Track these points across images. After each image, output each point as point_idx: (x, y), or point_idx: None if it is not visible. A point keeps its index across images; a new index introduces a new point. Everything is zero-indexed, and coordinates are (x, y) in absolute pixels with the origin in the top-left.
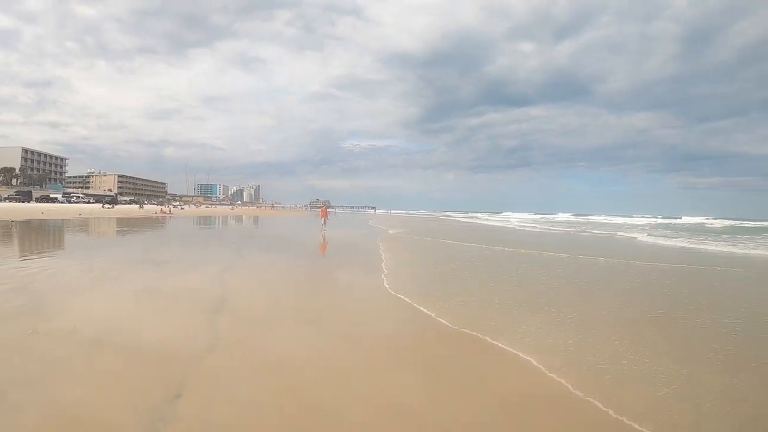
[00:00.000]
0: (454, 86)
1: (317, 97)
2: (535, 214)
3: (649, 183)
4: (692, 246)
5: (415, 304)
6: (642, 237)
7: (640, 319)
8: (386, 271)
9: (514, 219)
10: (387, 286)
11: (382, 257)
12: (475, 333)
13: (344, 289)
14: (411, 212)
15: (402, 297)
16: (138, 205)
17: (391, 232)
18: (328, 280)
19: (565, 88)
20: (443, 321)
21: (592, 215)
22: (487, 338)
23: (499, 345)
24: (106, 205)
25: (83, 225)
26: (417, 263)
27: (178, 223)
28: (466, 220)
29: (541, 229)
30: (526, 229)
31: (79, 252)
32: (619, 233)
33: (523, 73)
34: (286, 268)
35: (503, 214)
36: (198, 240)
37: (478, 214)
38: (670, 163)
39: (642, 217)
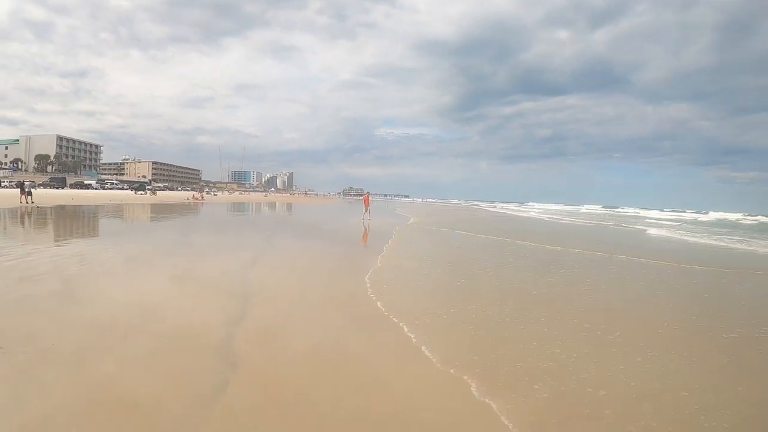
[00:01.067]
0: (488, 74)
1: (350, 85)
2: (566, 204)
3: (685, 176)
4: (737, 246)
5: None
6: (669, 233)
7: None
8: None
9: (535, 210)
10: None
11: (383, 249)
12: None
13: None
14: (442, 201)
15: (380, 306)
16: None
17: (411, 221)
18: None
19: (601, 77)
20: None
21: (623, 207)
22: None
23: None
24: (139, 192)
25: (111, 211)
26: (417, 260)
27: (210, 209)
28: (494, 210)
29: (566, 221)
30: (549, 220)
31: (105, 238)
32: (650, 230)
33: (559, 62)
34: (318, 255)
35: (527, 204)
36: (230, 227)
37: (508, 205)
38: (708, 156)
39: (672, 211)
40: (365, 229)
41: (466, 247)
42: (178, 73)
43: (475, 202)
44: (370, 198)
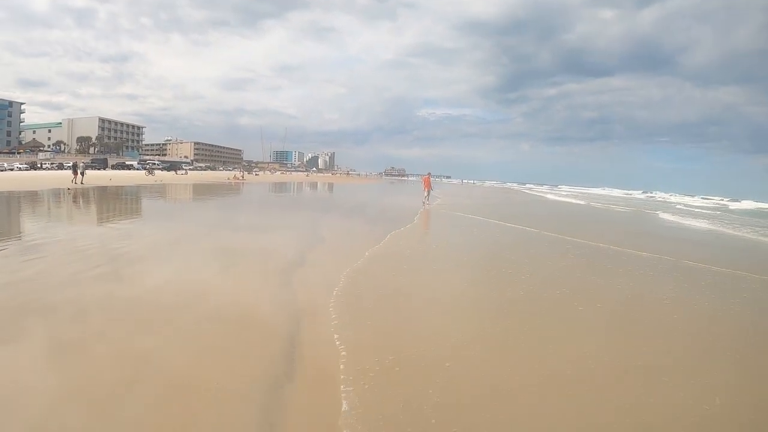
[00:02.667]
0: (531, 54)
1: (391, 65)
2: (607, 189)
3: (732, 164)
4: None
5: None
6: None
7: None
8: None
9: (563, 193)
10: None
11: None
12: None
13: None
14: (482, 182)
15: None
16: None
17: (438, 201)
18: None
19: (648, 59)
20: None
21: (668, 193)
22: None
23: None
24: (179, 172)
25: (147, 191)
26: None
27: (251, 190)
28: (525, 192)
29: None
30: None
31: (135, 220)
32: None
33: (604, 42)
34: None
35: (558, 187)
36: (271, 211)
37: (541, 187)
38: (757, 143)
39: (707, 198)
40: (425, 211)
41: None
42: (219, 56)
43: (513, 184)
44: (431, 179)
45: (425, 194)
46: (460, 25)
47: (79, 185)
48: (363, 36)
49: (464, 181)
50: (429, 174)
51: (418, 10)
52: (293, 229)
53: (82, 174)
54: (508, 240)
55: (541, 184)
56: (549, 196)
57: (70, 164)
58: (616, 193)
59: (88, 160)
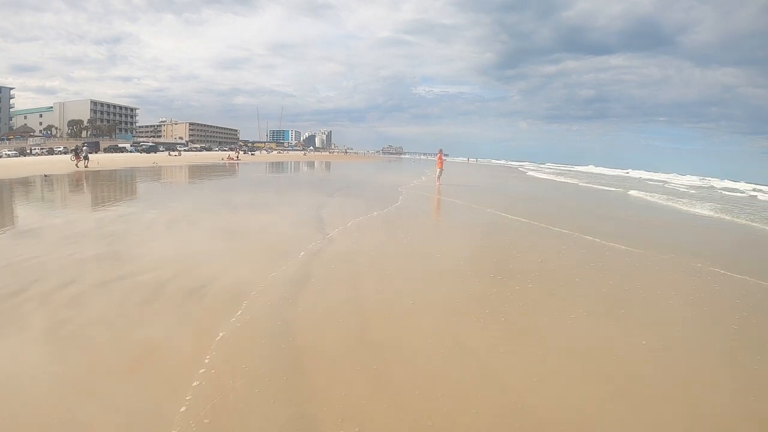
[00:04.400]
0: (530, 31)
1: (388, 42)
2: (605, 168)
3: (730, 144)
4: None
5: None
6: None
7: None
8: None
9: (545, 172)
10: None
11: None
12: None
13: None
14: (477, 161)
15: None
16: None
17: (413, 183)
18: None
19: (648, 38)
20: None
21: (662, 173)
22: None
23: None
24: (173, 153)
25: (133, 174)
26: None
27: (246, 170)
28: (512, 171)
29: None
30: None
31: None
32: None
33: (604, 20)
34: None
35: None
36: (267, 191)
37: (527, 164)
38: (756, 124)
39: (704, 178)
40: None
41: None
42: (213, 35)
43: (510, 162)
44: (443, 157)
45: (438, 173)
46: (460, 0)
47: (82, 169)
48: (360, 12)
49: (471, 159)
50: (441, 151)
51: None
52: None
53: (86, 158)
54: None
55: (542, 163)
56: (533, 173)
57: (61, 148)
58: (603, 171)
59: (80, 144)
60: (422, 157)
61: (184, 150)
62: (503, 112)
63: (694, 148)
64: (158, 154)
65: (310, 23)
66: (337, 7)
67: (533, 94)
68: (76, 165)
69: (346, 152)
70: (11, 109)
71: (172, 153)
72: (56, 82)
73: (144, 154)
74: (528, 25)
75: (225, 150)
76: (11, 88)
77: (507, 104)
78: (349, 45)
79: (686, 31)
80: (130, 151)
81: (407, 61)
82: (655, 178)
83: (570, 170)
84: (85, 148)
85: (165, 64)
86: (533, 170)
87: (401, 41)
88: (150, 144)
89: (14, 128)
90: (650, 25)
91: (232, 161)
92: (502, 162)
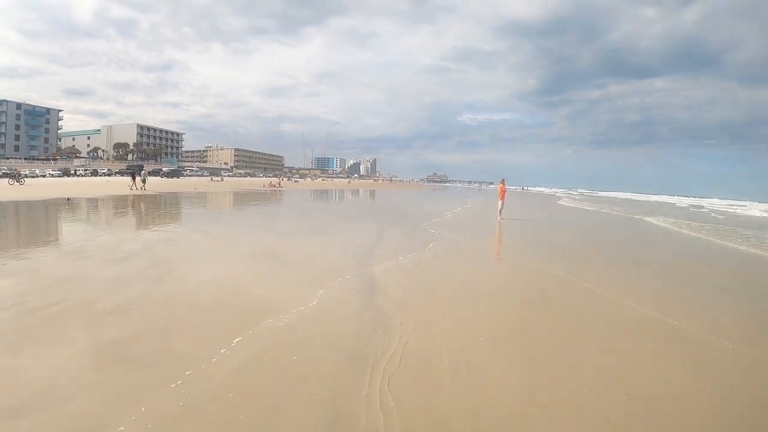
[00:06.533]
0: (572, 56)
1: (431, 70)
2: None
3: None
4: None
5: None
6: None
7: None
8: None
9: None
10: None
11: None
12: None
13: None
14: (525, 189)
15: None
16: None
17: (448, 215)
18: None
19: (692, 58)
20: None
21: (711, 198)
22: None
23: None
24: (215, 178)
25: (178, 198)
26: None
27: (287, 197)
28: (571, 204)
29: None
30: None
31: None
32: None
33: (646, 42)
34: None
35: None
36: (303, 220)
37: (602, 192)
38: None
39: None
40: (498, 228)
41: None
42: (260, 63)
43: (556, 190)
44: (506, 188)
45: (500, 205)
46: (500, 27)
47: (138, 192)
48: (403, 41)
49: (525, 188)
50: (503, 181)
51: (457, 13)
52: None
53: (144, 180)
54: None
55: (592, 190)
56: (576, 203)
57: (105, 170)
58: (666, 199)
59: (123, 167)
60: (468, 185)
61: (228, 175)
62: (547, 139)
63: (742, 171)
64: (181, 179)
65: (354, 51)
66: (381, 36)
67: (578, 119)
68: (131, 188)
69: (391, 180)
70: (60, 131)
71: (214, 178)
72: (107, 106)
73: (168, 179)
74: (569, 50)
75: (269, 176)
76: (60, 110)
77: (551, 130)
78: (393, 72)
79: (731, 50)
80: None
81: (450, 88)
82: (704, 204)
83: (615, 197)
84: (143, 172)
85: (213, 91)
86: (579, 199)
87: (444, 68)
88: (173, 168)
89: (61, 149)
90: (693, 45)
91: (274, 188)
92: (553, 190)
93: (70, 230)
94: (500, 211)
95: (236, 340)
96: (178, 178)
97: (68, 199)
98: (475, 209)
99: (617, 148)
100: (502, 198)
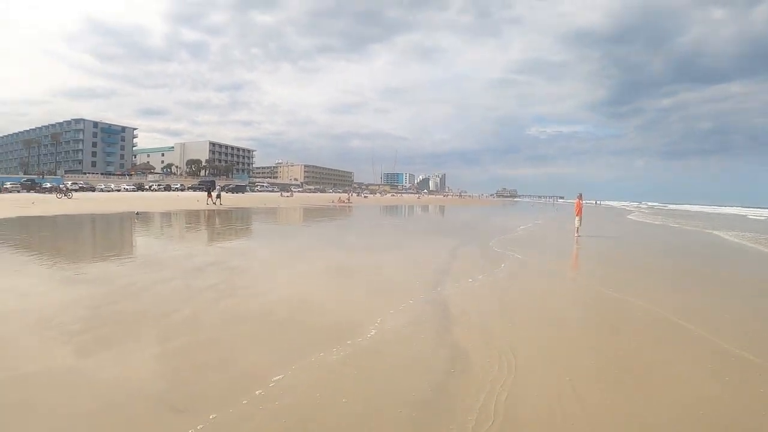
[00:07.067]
0: (642, 63)
1: (498, 83)
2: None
3: None
4: None
5: None
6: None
7: None
8: None
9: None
10: None
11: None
12: None
13: None
14: (598, 203)
15: None
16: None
17: (519, 231)
18: None
19: (765, 60)
20: None
21: None
22: None
23: None
24: (285, 194)
25: (249, 213)
26: None
27: (355, 213)
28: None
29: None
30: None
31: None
32: None
33: (717, 44)
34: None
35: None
36: (367, 237)
37: (672, 205)
38: None
39: None
40: (576, 246)
41: None
42: (328, 81)
43: (625, 204)
44: (582, 202)
45: (577, 222)
46: (567, 37)
47: (214, 207)
48: (468, 54)
49: (599, 201)
50: (580, 196)
51: (522, 25)
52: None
53: (218, 196)
54: None
55: (662, 203)
56: (643, 217)
57: (178, 185)
58: (737, 211)
59: (195, 182)
60: (537, 200)
61: (298, 191)
62: (618, 150)
63: None
64: (248, 194)
65: (420, 67)
66: (447, 50)
67: (649, 129)
68: (207, 203)
69: (460, 196)
70: (135, 148)
71: (284, 194)
72: (182, 124)
73: (233, 194)
74: (639, 57)
75: (338, 192)
76: (135, 129)
77: (622, 142)
78: (460, 87)
79: None
80: (246, 191)
81: (518, 102)
82: None
83: (686, 210)
84: (218, 186)
85: (282, 109)
86: (649, 213)
87: (511, 81)
88: (238, 184)
89: (136, 165)
90: (766, 46)
91: (342, 204)
92: (622, 203)
93: (143, 242)
94: (577, 228)
95: (278, 377)
96: (242, 193)
97: (137, 214)
98: (548, 225)
99: (689, 158)
100: (579, 214)
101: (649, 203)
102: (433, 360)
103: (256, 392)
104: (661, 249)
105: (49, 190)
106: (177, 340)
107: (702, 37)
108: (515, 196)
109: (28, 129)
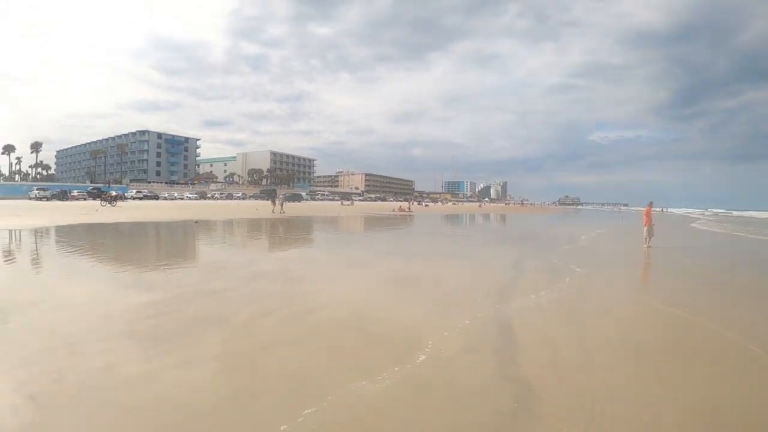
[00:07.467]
0: (705, 63)
1: (558, 88)
2: None
3: None
4: None
5: None
6: None
7: None
8: None
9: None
10: None
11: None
12: None
13: None
14: (664, 210)
15: None
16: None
17: (584, 241)
18: None
19: None
20: None
21: None
22: None
23: None
24: (345, 202)
25: (311, 222)
26: None
27: (416, 222)
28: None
29: None
30: None
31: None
32: None
33: None
34: None
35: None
36: (434, 249)
37: (737, 212)
38: None
39: None
40: (646, 259)
41: None
42: (387, 90)
43: (691, 210)
44: (652, 210)
45: (646, 232)
46: (626, 38)
47: (278, 215)
48: (527, 60)
49: (665, 209)
50: (650, 204)
51: (580, 27)
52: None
53: (282, 204)
54: None
55: (727, 209)
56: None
57: (240, 194)
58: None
59: (257, 191)
60: (600, 207)
61: (358, 200)
62: (683, 155)
63: None
64: (304, 203)
65: (479, 74)
66: (505, 57)
67: (714, 132)
68: (272, 210)
69: (522, 204)
70: (198, 158)
71: (344, 202)
72: (244, 135)
73: (289, 203)
74: (701, 57)
75: (399, 200)
76: (197, 139)
77: (687, 146)
78: (519, 93)
79: None
80: (306, 200)
81: (579, 107)
82: None
83: (754, 217)
84: (281, 195)
85: (343, 118)
86: (716, 221)
87: (571, 86)
88: (294, 193)
89: (199, 174)
90: None
91: (403, 213)
92: (686, 210)
93: (207, 249)
94: (646, 239)
95: (309, 410)
96: (298, 201)
97: (196, 222)
98: (615, 235)
99: (758, 162)
100: (647, 224)
101: (714, 210)
102: (493, 398)
103: (281, 428)
104: (746, 263)
105: (95, 198)
106: (239, 342)
107: (767, 31)
108: (578, 204)
109: (95, 140)
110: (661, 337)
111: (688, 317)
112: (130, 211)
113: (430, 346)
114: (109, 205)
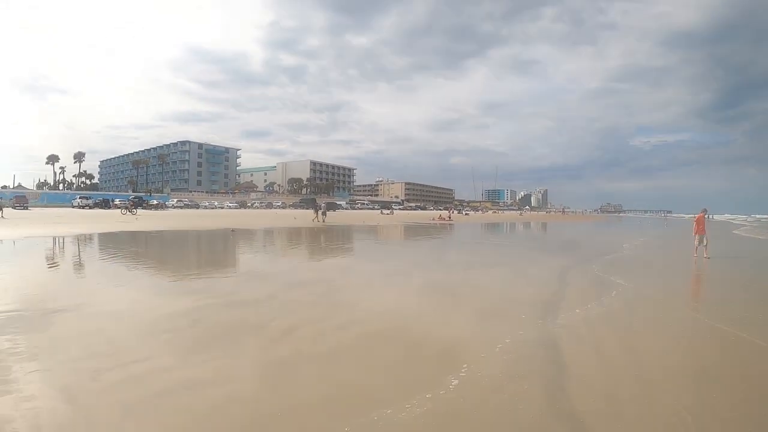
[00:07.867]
0: (747, 62)
1: (597, 93)
2: None
3: None
4: None
5: None
6: None
7: None
8: None
9: None
10: None
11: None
12: None
13: None
14: (710, 217)
15: None
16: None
17: (627, 251)
18: None
19: None
20: None
21: None
22: None
23: None
24: (385, 211)
25: (351, 231)
26: None
27: (457, 231)
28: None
29: None
30: None
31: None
32: None
33: None
34: None
35: None
36: (473, 258)
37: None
38: None
39: None
40: (697, 271)
41: None
42: (426, 98)
43: (733, 216)
44: (705, 218)
45: (696, 241)
46: (665, 39)
47: (320, 224)
48: (565, 65)
49: (710, 216)
50: (704, 211)
51: (618, 30)
52: None
53: (324, 213)
54: None
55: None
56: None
57: (279, 203)
58: None
59: (297, 200)
60: (643, 214)
61: (398, 209)
62: (727, 158)
63: None
64: (340, 212)
65: (518, 80)
66: (543, 62)
67: (759, 134)
68: (313, 219)
69: (563, 212)
70: (238, 167)
71: (384, 211)
72: (284, 145)
73: (369, 211)
74: (743, 56)
75: (439, 209)
76: (238, 150)
77: (731, 149)
78: (559, 99)
79: None
80: (345, 208)
81: (620, 111)
82: None
83: None
84: (323, 204)
85: (381, 127)
86: (758, 227)
87: (611, 90)
88: (329, 202)
89: (240, 183)
90: None
91: (443, 221)
92: (731, 216)
93: (247, 257)
94: (696, 248)
95: None
96: (334, 211)
97: (232, 231)
98: (659, 244)
99: None
100: (699, 232)
101: (756, 216)
102: None
103: None
104: None
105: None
106: (276, 350)
107: None
108: (620, 212)
109: (136, 151)
110: (727, 365)
111: (755, 340)
112: (167, 219)
113: (464, 369)
114: (129, 213)
